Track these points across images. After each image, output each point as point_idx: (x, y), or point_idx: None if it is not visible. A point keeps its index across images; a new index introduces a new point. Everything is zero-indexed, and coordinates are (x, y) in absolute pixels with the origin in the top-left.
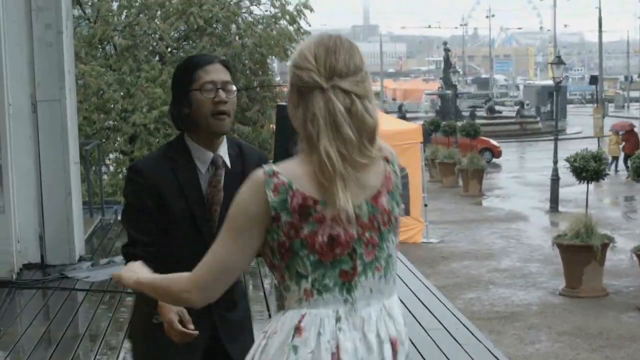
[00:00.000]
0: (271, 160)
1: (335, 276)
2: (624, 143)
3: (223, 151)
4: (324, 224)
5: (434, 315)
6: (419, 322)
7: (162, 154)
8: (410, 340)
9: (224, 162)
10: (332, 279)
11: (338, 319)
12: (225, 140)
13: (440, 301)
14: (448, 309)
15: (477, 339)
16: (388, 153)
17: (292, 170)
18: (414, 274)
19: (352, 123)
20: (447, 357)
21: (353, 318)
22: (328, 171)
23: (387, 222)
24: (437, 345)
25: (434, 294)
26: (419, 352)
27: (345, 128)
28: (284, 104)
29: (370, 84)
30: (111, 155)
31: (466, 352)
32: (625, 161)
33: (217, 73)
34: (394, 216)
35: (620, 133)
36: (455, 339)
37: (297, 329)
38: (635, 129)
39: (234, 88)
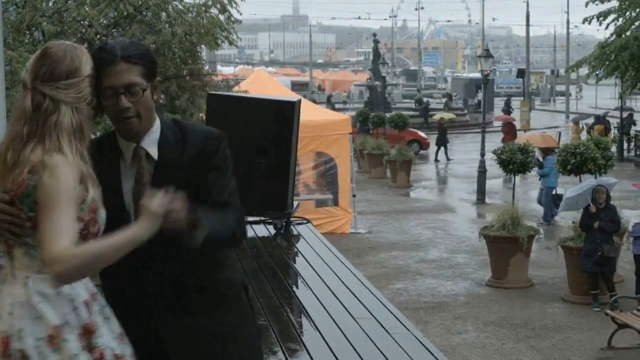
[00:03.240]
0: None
1: (2, 243)
2: (503, 135)
3: (150, 141)
4: None
5: (363, 304)
6: (348, 311)
7: (98, 140)
8: (340, 328)
9: (147, 154)
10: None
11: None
12: (156, 127)
13: (370, 290)
14: (377, 298)
15: (406, 327)
16: (40, 165)
17: None
18: (343, 263)
19: (37, 120)
20: (376, 345)
21: (6, 281)
22: None
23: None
24: (366, 334)
25: (362, 283)
26: (348, 341)
27: (19, 124)
28: (215, 92)
29: (78, 91)
30: None
31: (395, 340)
32: None
33: (117, 77)
34: (23, 218)
35: (501, 125)
36: (384, 327)
37: None
38: (514, 123)
39: (142, 88)
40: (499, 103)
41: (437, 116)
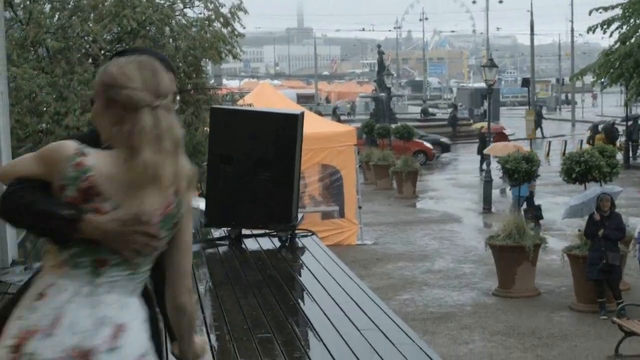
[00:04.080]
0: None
1: (92, 259)
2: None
3: None
4: (101, 215)
5: (367, 315)
6: (353, 323)
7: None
8: (345, 340)
9: None
10: (87, 260)
11: (75, 294)
12: None
13: (374, 302)
14: (382, 309)
15: (411, 338)
16: (183, 186)
17: (101, 160)
18: (348, 275)
19: (170, 136)
20: (381, 357)
21: (89, 297)
22: (146, 178)
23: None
24: (371, 346)
25: (367, 295)
26: (353, 353)
27: (166, 141)
28: (217, 106)
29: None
30: None
31: (400, 352)
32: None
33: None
34: (160, 238)
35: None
36: (389, 339)
37: (41, 295)
38: (506, 132)
39: None
40: (504, 112)
41: (478, 125)
